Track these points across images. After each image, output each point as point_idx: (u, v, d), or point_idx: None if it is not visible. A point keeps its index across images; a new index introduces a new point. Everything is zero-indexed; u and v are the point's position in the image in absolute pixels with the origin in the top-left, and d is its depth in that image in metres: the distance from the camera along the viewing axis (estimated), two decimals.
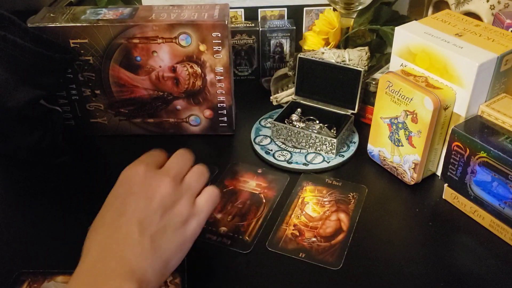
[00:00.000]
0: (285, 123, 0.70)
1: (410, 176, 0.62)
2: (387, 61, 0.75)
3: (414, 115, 0.58)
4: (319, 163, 0.67)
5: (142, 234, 0.44)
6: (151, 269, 0.44)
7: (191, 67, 0.67)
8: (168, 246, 0.46)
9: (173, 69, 0.68)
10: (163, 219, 0.46)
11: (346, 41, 0.81)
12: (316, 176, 0.65)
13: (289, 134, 0.69)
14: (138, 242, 0.44)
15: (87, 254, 0.43)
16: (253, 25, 0.83)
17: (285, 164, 0.67)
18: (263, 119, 0.76)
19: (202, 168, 0.53)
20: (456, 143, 0.56)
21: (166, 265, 0.45)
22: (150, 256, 0.44)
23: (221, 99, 0.70)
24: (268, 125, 0.74)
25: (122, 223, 0.45)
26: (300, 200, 0.61)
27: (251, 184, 0.64)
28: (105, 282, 0.41)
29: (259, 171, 0.66)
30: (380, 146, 0.65)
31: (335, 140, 0.66)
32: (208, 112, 0.72)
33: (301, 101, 0.73)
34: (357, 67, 0.68)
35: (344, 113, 0.70)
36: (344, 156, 0.68)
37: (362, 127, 0.73)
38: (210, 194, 0.51)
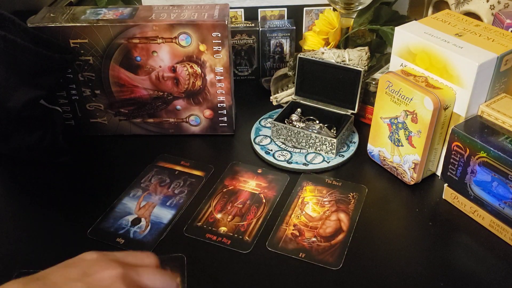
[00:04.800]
0: (285, 123, 0.70)
1: (410, 176, 0.62)
2: (387, 61, 0.75)
3: (414, 115, 0.58)
4: (319, 163, 0.67)
5: None
6: None
7: (191, 67, 0.67)
8: None
9: (173, 69, 0.68)
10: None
11: (346, 41, 0.81)
12: (316, 176, 0.65)
13: (289, 134, 0.69)
14: None
15: None
16: (253, 25, 0.83)
17: (285, 164, 0.67)
18: (263, 119, 0.76)
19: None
20: (456, 143, 0.56)
21: None
22: None
23: (221, 99, 0.70)
24: (268, 125, 0.74)
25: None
26: (300, 200, 0.61)
27: (251, 184, 0.64)
28: None
29: (259, 171, 0.66)
30: (380, 146, 0.65)
31: (335, 140, 0.66)
32: (208, 112, 0.72)
33: (301, 101, 0.73)
34: (357, 67, 0.68)
35: (344, 113, 0.70)
36: (344, 156, 0.68)
37: (362, 127, 0.73)
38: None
